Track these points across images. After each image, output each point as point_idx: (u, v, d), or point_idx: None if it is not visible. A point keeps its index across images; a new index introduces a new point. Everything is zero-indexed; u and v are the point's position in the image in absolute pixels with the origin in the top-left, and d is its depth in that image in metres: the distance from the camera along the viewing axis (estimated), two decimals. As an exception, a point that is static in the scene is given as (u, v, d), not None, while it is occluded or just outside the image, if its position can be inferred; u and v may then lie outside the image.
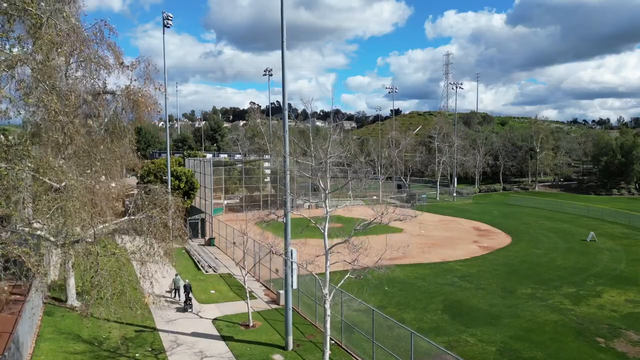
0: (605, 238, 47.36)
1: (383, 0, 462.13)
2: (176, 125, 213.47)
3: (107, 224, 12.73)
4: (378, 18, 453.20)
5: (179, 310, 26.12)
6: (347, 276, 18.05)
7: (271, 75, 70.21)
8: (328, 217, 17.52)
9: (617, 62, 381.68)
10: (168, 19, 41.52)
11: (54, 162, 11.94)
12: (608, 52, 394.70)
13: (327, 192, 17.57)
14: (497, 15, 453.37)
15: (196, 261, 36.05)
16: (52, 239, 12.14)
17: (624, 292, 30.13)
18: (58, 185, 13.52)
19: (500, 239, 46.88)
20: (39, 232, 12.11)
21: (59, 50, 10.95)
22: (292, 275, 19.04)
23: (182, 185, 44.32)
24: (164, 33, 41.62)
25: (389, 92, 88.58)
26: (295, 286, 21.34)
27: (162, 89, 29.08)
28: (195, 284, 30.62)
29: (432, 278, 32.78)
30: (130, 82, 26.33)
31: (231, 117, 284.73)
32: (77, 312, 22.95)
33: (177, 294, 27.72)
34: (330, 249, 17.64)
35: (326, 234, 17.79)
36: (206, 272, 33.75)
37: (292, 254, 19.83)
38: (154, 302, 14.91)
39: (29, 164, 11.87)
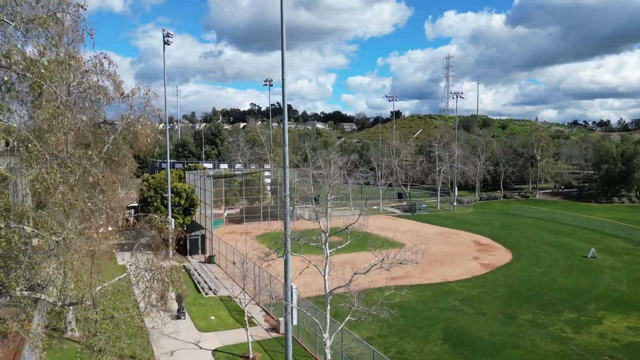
0: (606, 254, 47.25)
1: (383, 0, 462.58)
2: (176, 127, 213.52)
3: (105, 284, 12.65)
4: (378, 19, 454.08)
5: (172, 317, 28.45)
6: (347, 318, 18.00)
7: (271, 85, 70.21)
8: (328, 261, 17.42)
9: (617, 62, 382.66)
10: (168, 36, 41.42)
11: (53, 223, 11.89)
12: (608, 52, 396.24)
13: (327, 234, 17.47)
14: (497, 15, 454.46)
15: (196, 282, 35.96)
16: (50, 300, 12.09)
17: (625, 317, 30.01)
18: (56, 239, 13.45)
19: (501, 255, 46.78)
20: (37, 295, 12.09)
21: (59, 121, 10.87)
22: (292, 316, 18.94)
23: (182, 201, 44.24)
24: (164, 50, 41.54)
25: (390, 100, 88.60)
26: (295, 322, 21.25)
27: (163, 115, 29.10)
28: (195, 308, 30.65)
29: (433, 302, 32.66)
30: (130, 110, 26.36)
31: (231, 119, 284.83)
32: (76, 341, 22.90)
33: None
34: (330, 292, 17.56)
35: (326, 276, 17.70)
36: (206, 294, 33.68)
37: (292, 293, 19.74)
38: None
39: (28, 228, 11.81)
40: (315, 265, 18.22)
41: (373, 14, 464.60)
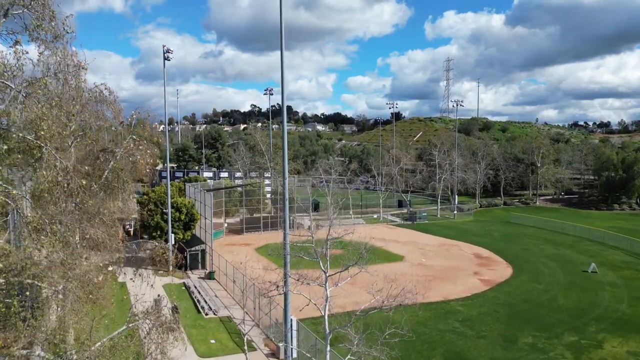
0: (606, 268, 47.20)
1: (383, 1, 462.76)
2: (177, 128, 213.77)
3: (104, 340, 12.63)
4: (378, 19, 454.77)
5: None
6: (347, 357, 17.96)
7: (271, 94, 70.21)
8: (328, 304, 17.38)
9: (617, 62, 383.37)
10: (169, 52, 41.37)
11: (52, 277, 11.90)
12: (608, 53, 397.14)
13: (327, 274, 17.43)
14: (497, 15, 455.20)
15: (196, 301, 35.94)
16: (49, 358, 12.10)
17: (625, 340, 29.97)
18: (55, 288, 13.41)
19: (501, 270, 46.73)
20: (35, 352, 12.07)
21: (58, 188, 10.83)
22: (291, 354, 18.92)
23: (182, 217, 44.22)
24: (164, 67, 41.50)
25: (390, 108, 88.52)
26: (295, 355, 21.26)
27: (163, 140, 29.13)
28: (195, 331, 30.63)
29: (433, 323, 32.59)
30: (129, 138, 26.39)
31: (232, 120, 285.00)
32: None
33: None
34: (330, 332, 17.52)
35: (326, 316, 17.66)
36: (206, 314, 33.66)
37: (291, 328, 19.72)
38: None
39: (27, 281, 11.80)
40: (314, 304, 18.19)
41: (373, 14, 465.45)
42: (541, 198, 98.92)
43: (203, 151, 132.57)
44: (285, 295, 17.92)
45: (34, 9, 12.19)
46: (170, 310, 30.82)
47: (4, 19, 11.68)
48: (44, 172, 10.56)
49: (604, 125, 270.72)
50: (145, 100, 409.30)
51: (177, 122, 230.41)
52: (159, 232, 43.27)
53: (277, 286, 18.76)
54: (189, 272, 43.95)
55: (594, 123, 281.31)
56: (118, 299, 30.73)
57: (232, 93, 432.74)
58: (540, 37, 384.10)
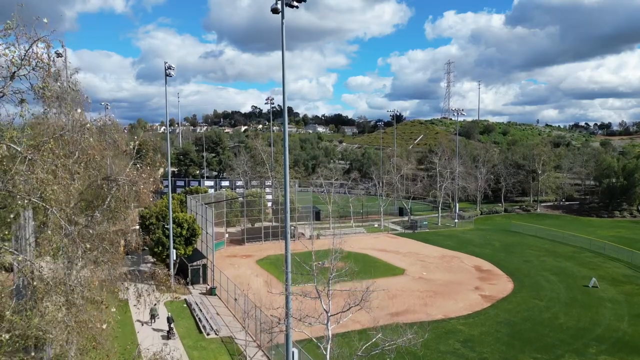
0: (607, 283, 47.24)
1: (384, 1, 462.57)
2: (177, 130, 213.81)
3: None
4: (379, 19, 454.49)
5: (164, 337, 32.11)
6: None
7: (272, 104, 70.13)
8: (330, 343, 17.46)
9: (617, 62, 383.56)
10: (170, 69, 41.45)
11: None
12: (608, 52, 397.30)
13: (329, 314, 17.50)
14: (497, 15, 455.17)
15: (197, 320, 36.02)
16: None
17: (625, 363, 30.08)
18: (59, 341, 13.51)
19: (502, 285, 46.78)
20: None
21: (64, 251, 10.98)
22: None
23: (184, 232, 44.28)
24: (166, 82, 41.60)
25: (391, 116, 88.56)
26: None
27: (165, 165, 29.18)
28: (197, 353, 30.77)
29: (434, 344, 32.63)
30: (131, 164, 26.48)
31: (233, 121, 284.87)
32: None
33: (153, 319, 34.67)
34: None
35: (328, 355, 17.73)
36: (207, 334, 33.74)
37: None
38: None
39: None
40: (316, 341, 18.28)
41: (374, 14, 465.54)
42: (542, 204, 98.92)
43: (204, 154, 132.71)
44: (287, 335, 18.00)
45: (40, 67, 12.28)
46: (167, 319, 32.96)
47: (11, 81, 11.77)
48: (49, 233, 10.66)
49: (605, 127, 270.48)
50: (146, 100, 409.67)
51: (178, 124, 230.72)
52: (160, 248, 43.37)
53: (280, 321, 18.81)
54: (190, 287, 44.04)
55: (595, 124, 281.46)
56: (122, 341, 30.53)
57: (233, 93, 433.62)
58: (540, 37, 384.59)
